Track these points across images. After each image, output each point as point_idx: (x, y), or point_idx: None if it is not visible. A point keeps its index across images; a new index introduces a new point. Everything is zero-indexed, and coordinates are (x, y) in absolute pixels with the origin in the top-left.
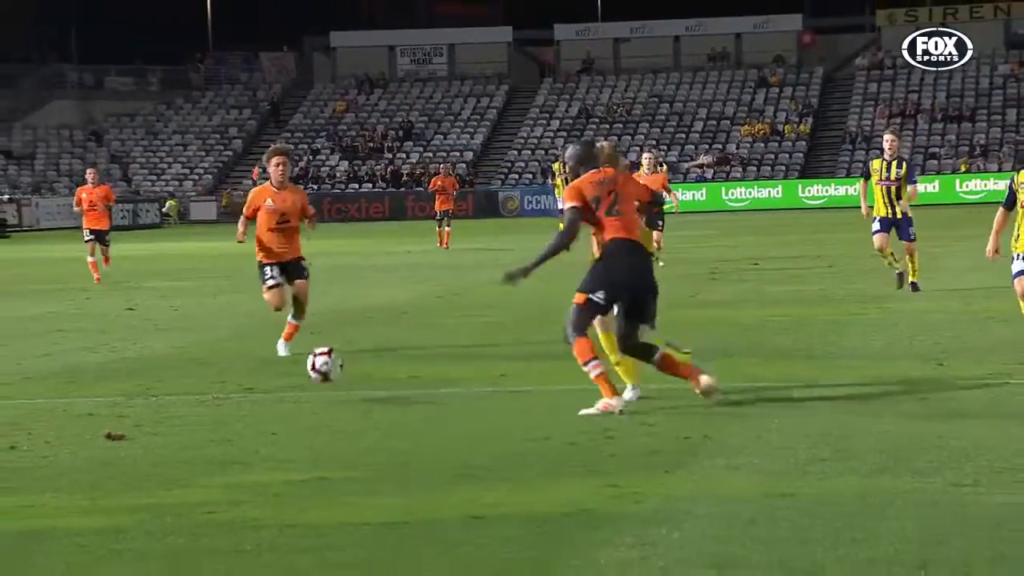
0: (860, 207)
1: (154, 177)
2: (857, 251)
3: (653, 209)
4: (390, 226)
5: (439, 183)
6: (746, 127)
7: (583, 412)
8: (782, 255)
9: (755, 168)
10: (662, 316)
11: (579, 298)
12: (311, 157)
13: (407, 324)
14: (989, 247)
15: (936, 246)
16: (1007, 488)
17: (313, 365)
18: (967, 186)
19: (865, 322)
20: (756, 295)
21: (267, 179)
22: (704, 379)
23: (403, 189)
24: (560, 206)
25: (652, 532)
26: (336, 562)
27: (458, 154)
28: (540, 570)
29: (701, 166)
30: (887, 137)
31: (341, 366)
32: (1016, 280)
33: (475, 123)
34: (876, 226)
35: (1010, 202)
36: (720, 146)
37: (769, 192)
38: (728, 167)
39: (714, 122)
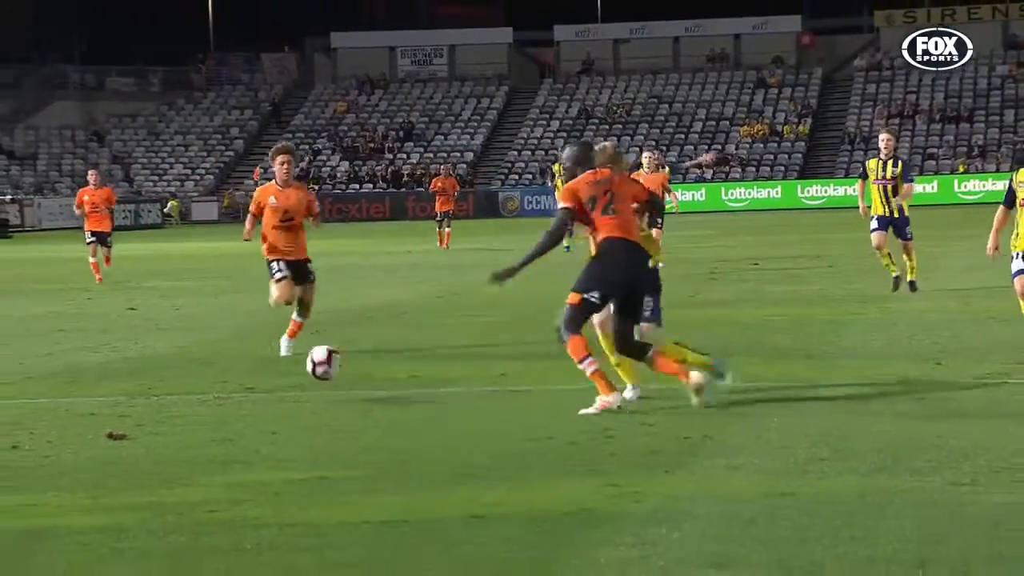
0: (859, 207)
1: (156, 177)
2: (856, 251)
3: (652, 210)
4: (391, 226)
5: (439, 184)
6: (745, 128)
7: (583, 412)
8: (781, 255)
9: (754, 168)
10: (663, 316)
11: (573, 298)
12: (312, 157)
13: (407, 324)
14: (989, 244)
15: (934, 246)
16: (1005, 487)
17: (313, 372)
18: (965, 186)
19: (864, 322)
20: (756, 295)
21: (268, 179)
22: (695, 375)
23: (404, 189)
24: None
25: (652, 531)
26: (336, 561)
27: (458, 154)
28: (540, 569)
29: (700, 165)
30: (883, 136)
31: (340, 365)
32: (1016, 279)
33: (475, 124)
34: (874, 224)
35: (1010, 200)
36: (719, 147)
37: (768, 192)
38: (727, 167)
39: (713, 123)
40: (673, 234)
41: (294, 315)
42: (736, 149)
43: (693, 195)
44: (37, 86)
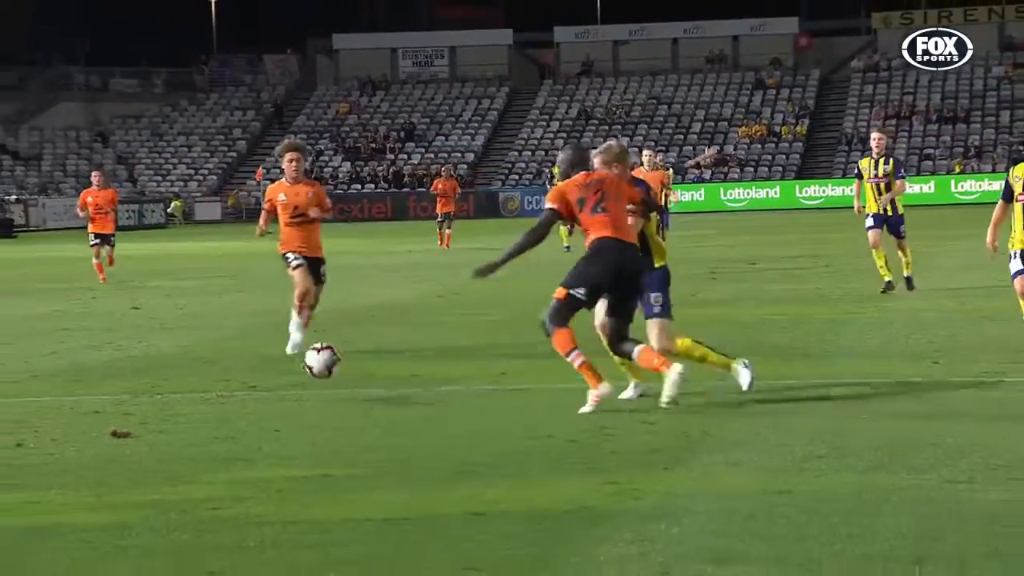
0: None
1: (159, 178)
2: (854, 251)
3: (649, 210)
4: (392, 226)
5: (440, 186)
6: (743, 128)
7: (583, 411)
8: (780, 255)
9: (753, 169)
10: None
11: (560, 292)
12: (314, 158)
13: (408, 322)
14: (988, 239)
15: (931, 246)
16: (1001, 485)
17: (311, 372)
18: (961, 187)
19: (861, 321)
20: (755, 294)
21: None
22: (675, 367)
23: (405, 190)
24: None
25: (651, 528)
26: (339, 558)
27: (459, 155)
28: (540, 566)
29: (699, 165)
30: (875, 135)
31: (338, 360)
32: (1016, 279)
33: (476, 124)
34: (869, 222)
35: (1008, 195)
36: (718, 147)
37: (767, 192)
38: (726, 168)
39: (712, 123)
40: (673, 234)
41: (296, 302)
42: (735, 150)
43: (692, 195)
44: (42, 87)
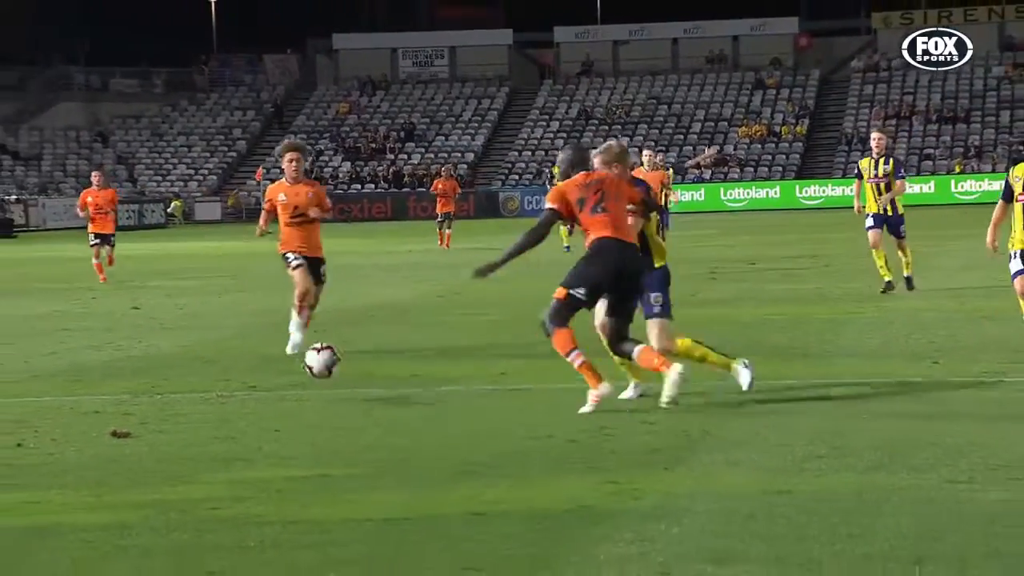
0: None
1: (159, 178)
2: (853, 251)
3: (648, 210)
4: (392, 226)
5: (440, 186)
6: (743, 128)
7: (583, 411)
8: (780, 255)
9: (753, 169)
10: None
11: (560, 292)
12: (314, 158)
13: (408, 322)
14: (988, 238)
15: (931, 246)
16: (1001, 485)
17: (311, 372)
18: (961, 187)
19: (861, 320)
20: (754, 294)
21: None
22: (675, 367)
23: (405, 190)
24: None
25: (651, 528)
26: (338, 558)
27: (459, 155)
28: (540, 566)
29: (699, 165)
30: (874, 135)
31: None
32: (1016, 279)
33: (476, 124)
34: (869, 222)
35: (1008, 195)
36: (718, 147)
37: (767, 192)
38: (726, 168)
39: (712, 123)
40: (673, 234)
41: (296, 302)
42: (735, 150)
43: (693, 195)
44: (42, 87)
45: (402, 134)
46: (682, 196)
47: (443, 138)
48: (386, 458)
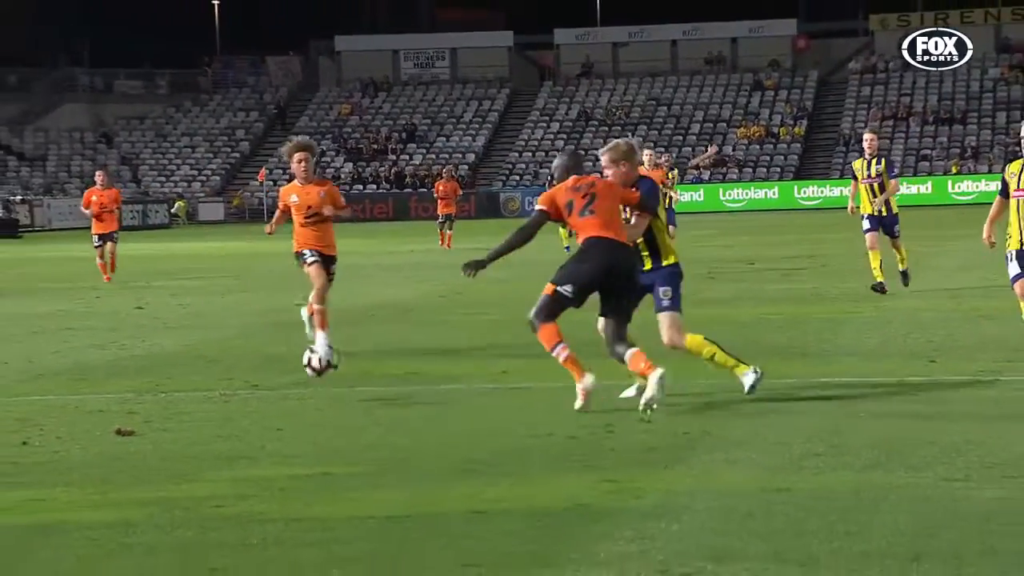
0: (848, 207)
1: (163, 178)
2: (852, 251)
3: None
4: (394, 226)
5: (442, 188)
6: (742, 129)
7: (577, 406)
8: (778, 255)
9: (751, 169)
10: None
11: (548, 288)
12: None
13: (410, 322)
14: (984, 233)
15: (928, 246)
16: (997, 483)
17: (308, 363)
18: (958, 187)
19: (859, 320)
20: (753, 294)
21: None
22: (658, 371)
23: (406, 190)
24: None
25: (651, 526)
26: (341, 555)
27: (460, 156)
28: (540, 563)
29: (699, 166)
30: (867, 136)
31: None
32: (1016, 283)
33: (477, 126)
34: (866, 224)
35: (1005, 191)
36: (718, 147)
37: (765, 193)
38: (725, 168)
39: (711, 124)
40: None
41: (314, 303)
42: (733, 150)
43: (692, 195)
44: (47, 89)
45: (403, 135)
46: (682, 196)
47: (444, 139)
48: (388, 456)
